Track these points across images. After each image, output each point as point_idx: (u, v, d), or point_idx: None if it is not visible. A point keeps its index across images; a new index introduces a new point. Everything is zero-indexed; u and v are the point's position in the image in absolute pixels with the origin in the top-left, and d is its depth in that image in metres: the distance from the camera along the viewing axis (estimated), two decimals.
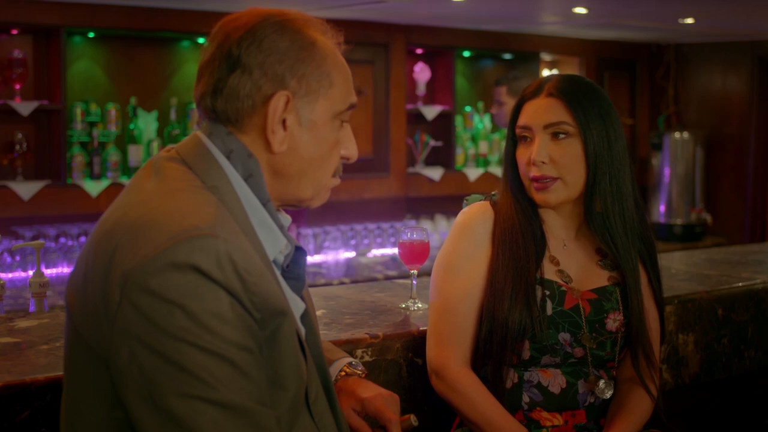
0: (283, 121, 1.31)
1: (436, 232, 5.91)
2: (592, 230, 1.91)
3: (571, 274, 1.92)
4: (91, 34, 4.99)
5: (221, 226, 1.20)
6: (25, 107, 4.66)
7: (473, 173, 6.24)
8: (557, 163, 1.86)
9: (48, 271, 4.54)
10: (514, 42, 6.42)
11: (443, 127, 6.22)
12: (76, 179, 4.83)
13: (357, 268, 5.39)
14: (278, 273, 1.34)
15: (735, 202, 7.05)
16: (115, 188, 4.83)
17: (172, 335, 1.13)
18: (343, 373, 1.64)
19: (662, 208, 6.97)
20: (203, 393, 1.13)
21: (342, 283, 4.86)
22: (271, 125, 1.30)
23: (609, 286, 1.93)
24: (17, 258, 4.55)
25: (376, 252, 5.70)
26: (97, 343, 1.19)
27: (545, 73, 6.82)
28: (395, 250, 5.61)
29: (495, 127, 6.41)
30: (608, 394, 1.91)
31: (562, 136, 1.87)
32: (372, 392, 1.59)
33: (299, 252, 1.38)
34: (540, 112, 1.88)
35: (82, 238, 4.75)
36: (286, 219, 1.39)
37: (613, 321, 1.90)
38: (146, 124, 5.08)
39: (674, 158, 6.88)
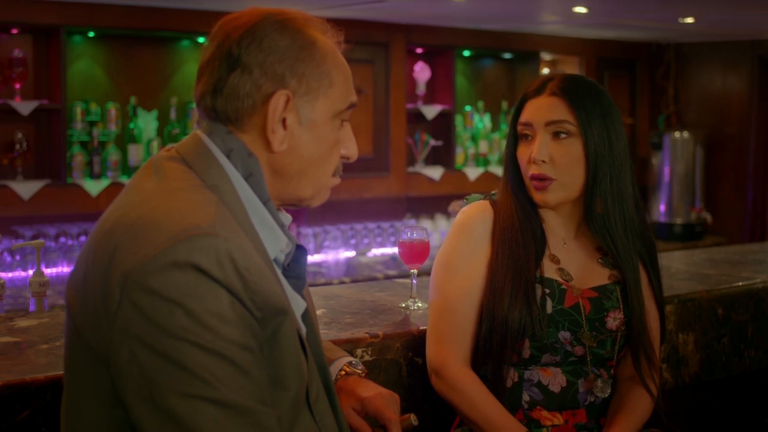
0: (283, 121, 1.31)
1: (436, 231, 5.91)
2: (593, 231, 1.91)
3: (571, 273, 1.92)
4: (91, 34, 4.99)
5: (221, 225, 1.20)
6: (25, 107, 4.66)
7: (473, 173, 6.24)
8: (556, 163, 1.86)
9: (48, 271, 4.54)
10: (514, 41, 6.41)
11: (443, 127, 6.22)
12: (76, 179, 4.82)
13: (357, 267, 5.39)
14: (279, 272, 1.34)
15: (735, 202, 7.05)
16: (115, 188, 4.83)
17: (172, 334, 1.12)
18: (343, 373, 1.63)
19: (662, 207, 6.96)
20: (204, 392, 1.12)
21: (342, 283, 4.86)
22: (271, 124, 1.30)
23: (609, 285, 1.92)
24: (17, 257, 4.55)
25: (376, 251, 5.70)
26: (97, 343, 1.19)
27: (545, 72, 6.81)
28: (395, 250, 5.61)
29: (495, 127, 6.41)
30: (606, 393, 1.91)
31: (563, 135, 1.87)
32: (372, 391, 1.58)
33: (300, 251, 1.38)
34: (542, 110, 1.88)
35: (82, 238, 4.75)
36: (286, 218, 1.39)
37: (614, 319, 1.90)
38: (146, 123, 5.08)
39: (674, 158, 6.88)
